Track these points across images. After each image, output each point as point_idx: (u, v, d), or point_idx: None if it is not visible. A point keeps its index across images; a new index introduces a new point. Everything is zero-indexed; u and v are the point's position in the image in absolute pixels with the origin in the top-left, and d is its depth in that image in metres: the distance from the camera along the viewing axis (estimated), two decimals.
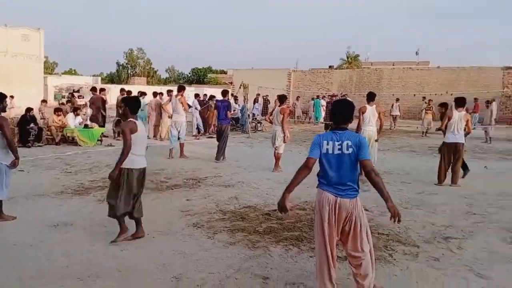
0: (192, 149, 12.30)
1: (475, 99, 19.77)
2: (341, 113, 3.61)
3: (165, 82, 68.10)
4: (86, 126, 13.14)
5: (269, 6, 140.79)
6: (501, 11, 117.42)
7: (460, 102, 8.24)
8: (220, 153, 10.57)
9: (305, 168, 3.57)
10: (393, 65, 40.59)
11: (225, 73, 65.44)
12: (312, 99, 25.25)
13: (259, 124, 19.80)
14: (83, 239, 4.99)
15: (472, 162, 11.27)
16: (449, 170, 8.35)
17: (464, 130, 8.24)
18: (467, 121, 8.14)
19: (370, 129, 8.76)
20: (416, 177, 8.98)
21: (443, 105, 9.39)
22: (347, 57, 47.87)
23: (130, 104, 5.02)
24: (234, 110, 16.72)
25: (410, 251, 4.81)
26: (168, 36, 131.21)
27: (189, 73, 72.55)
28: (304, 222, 5.72)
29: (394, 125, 22.08)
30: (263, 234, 5.22)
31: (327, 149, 3.49)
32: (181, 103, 10.75)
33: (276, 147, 9.47)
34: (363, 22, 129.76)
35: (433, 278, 4.13)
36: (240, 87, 18.83)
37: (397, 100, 22.58)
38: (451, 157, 8.14)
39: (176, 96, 10.93)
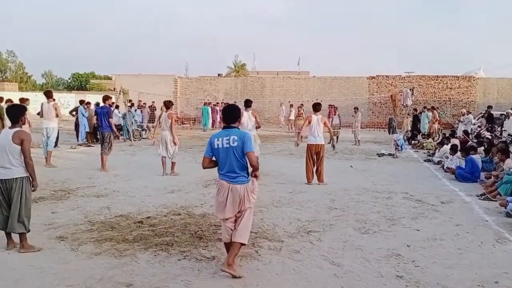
0: (69, 158, 11.52)
1: (330, 106, 21.88)
2: (230, 115, 4.38)
3: (42, 88, 62.37)
4: None
5: (157, 13, 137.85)
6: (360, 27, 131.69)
7: (316, 106, 9.00)
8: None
9: (203, 166, 4.38)
10: (277, 74, 42.56)
11: (110, 79, 62.28)
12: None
13: (143, 132, 19.23)
14: None
15: (340, 162, 12.46)
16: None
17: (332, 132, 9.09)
18: (325, 123, 8.91)
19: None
20: (290, 178, 9.56)
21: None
22: (235, 66, 49.11)
23: None
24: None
25: (275, 246, 5.12)
26: (45, 37, 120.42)
27: (69, 79, 67.54)
28: (177, 227, 5.73)
29: (289, 128, 24.03)
30: (132, 242, 5.10)
31: (217, 145, 4.21)
32: (55, 108, 10.62)
33: (171, 155, 9.74)
34: (250, 31, 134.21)
35: (291, 269, 4.44)
36: (119, 93, 18.11)
37: (291, 106, 24.28)
38: (314, 157, 8.85)
39: (48, 102, 10.66)
